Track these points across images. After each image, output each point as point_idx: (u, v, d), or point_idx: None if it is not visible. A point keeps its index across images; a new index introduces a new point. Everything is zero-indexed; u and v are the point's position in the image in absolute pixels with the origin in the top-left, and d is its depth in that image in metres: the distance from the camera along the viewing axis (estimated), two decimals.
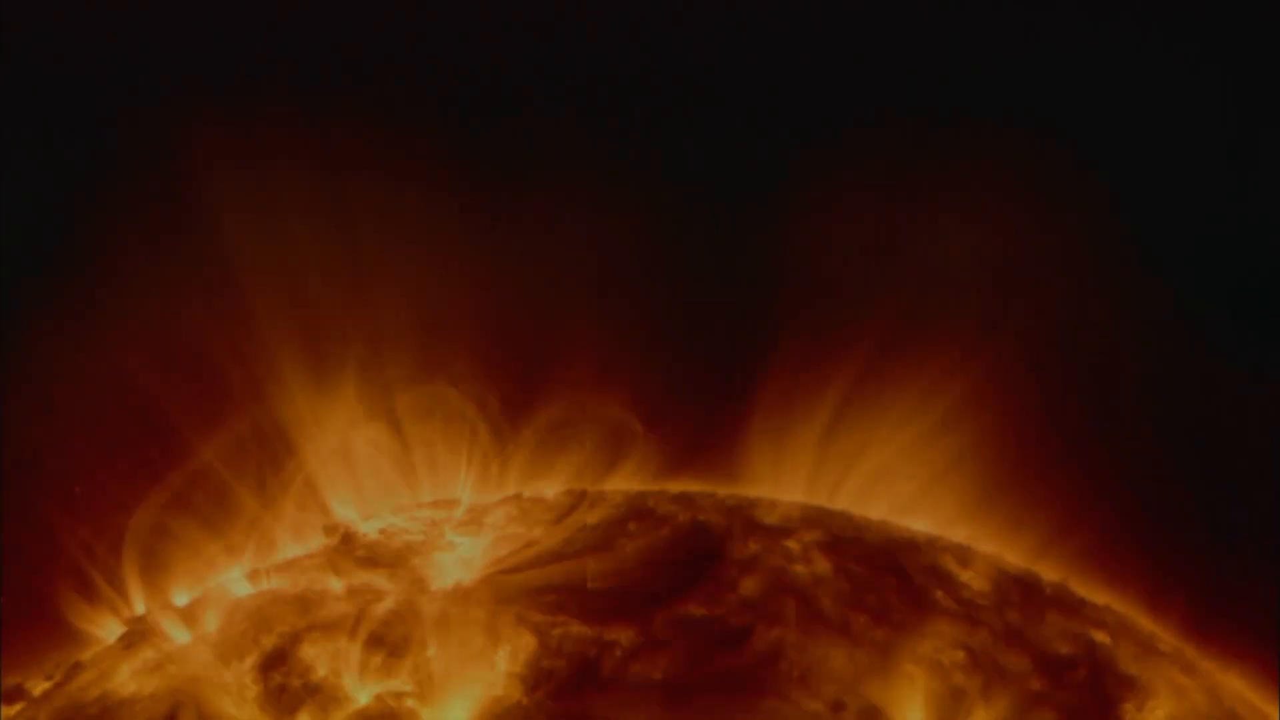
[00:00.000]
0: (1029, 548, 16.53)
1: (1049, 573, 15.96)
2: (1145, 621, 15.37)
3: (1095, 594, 15.87)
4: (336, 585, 13.72)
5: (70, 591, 14.90)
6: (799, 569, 13.40)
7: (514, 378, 17.51)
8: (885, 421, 17.27)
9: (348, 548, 14.48)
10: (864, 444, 17.20)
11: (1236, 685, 14.70)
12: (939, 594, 13.50)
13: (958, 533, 16.58)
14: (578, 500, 15.13)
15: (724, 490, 17.24)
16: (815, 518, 14.78)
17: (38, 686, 13.94)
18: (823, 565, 13.48)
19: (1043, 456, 17.22)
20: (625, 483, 17.02)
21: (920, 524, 16.67)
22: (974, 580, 14.06)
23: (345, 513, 16.25)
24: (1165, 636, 15.11)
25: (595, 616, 12.55)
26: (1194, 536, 16.30)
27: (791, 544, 13.74)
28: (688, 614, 12.66)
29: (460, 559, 13.96)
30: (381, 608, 13.00)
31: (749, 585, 13.10)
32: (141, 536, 15.51)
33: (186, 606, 14.12)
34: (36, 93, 16.99)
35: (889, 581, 13.44)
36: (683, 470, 17.49)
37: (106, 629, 14.75)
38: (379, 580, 13.66)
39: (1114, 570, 15.98)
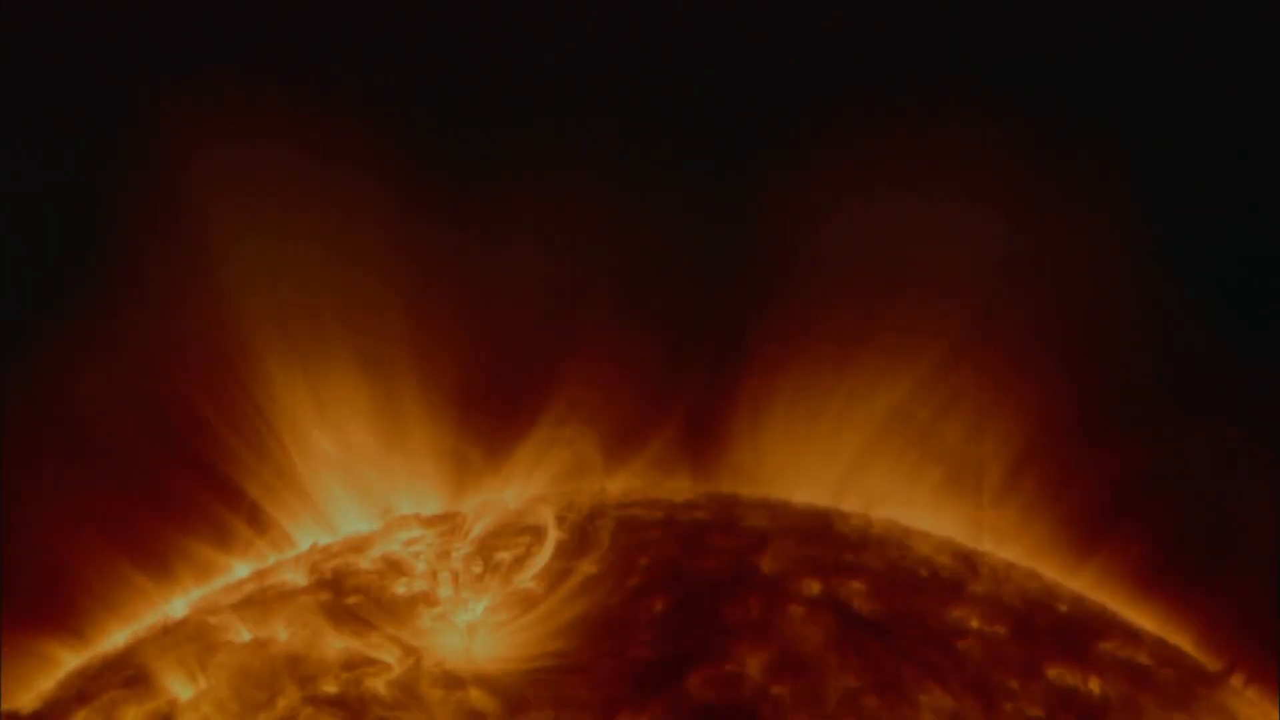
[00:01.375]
0: (1033, 545, 16.56)
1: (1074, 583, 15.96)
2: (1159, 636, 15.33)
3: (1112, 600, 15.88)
4: (330, 646, 13.40)
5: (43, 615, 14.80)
6: (804, 635, 13.18)
7: (509, 383, 17.40)
8: (887, 418, 17.22)
9: (338, 593, 14.14)
10: (867, 441, 17.14)
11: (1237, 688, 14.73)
12: (950, 652, 13.23)
13: (964, 534, 16.60)
14: (579, 541, 14.81)
15: (722, 489, 17.14)
16: (819, 553, 14.49)
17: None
18: (830, 628, 13.24)
19: (1048, 454, 17.22)
20: (625, 482, 16.94)
21: (924, 524, 16.66)
22: (987, 625, 13.84)
23: (343, 523, 16.16)
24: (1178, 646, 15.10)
25: (599, 709, 12.36)
26: (1199, 537, 16.36)
27: (795, 608, 13.53)
28: (689, 697, 12.48)
29: (459, 625, 13.73)
30: (379, 685, 12.77)
31: (752, 661, 12.89)
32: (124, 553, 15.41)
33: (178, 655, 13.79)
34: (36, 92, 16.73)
35: (901, 641, 13.15)
36: (678, 470, 17.43)
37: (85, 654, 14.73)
38: (374, 647, 13.39)
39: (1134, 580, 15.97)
